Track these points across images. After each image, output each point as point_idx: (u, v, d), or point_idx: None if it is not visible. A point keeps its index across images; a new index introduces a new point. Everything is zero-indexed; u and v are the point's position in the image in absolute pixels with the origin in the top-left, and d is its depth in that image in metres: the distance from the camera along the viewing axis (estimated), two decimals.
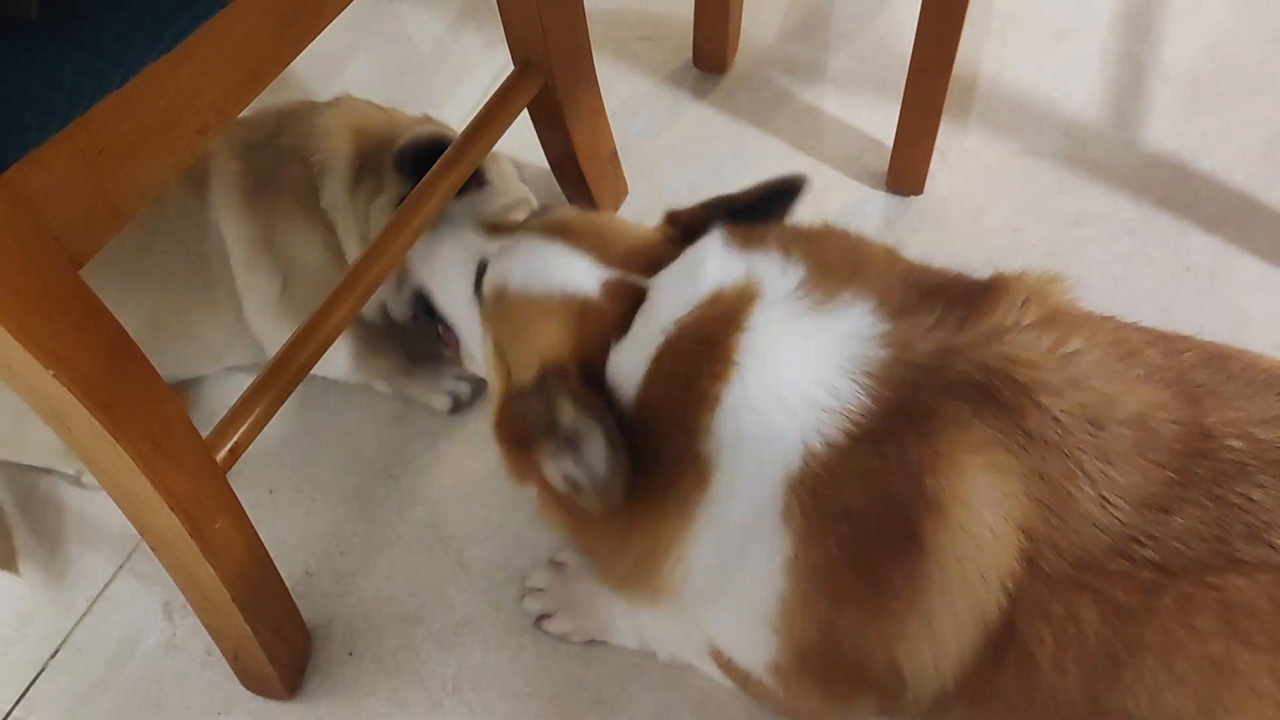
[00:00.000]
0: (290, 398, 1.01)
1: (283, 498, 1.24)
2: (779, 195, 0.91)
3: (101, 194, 0.72)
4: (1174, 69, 1.55)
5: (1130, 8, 1.64)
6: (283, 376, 1.00)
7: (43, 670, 1.14)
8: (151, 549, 0.96)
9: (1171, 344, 0.79)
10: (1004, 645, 0.73)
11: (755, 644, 0.83)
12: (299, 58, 0.87)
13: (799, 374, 0.75)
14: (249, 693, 1.11)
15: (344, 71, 1.44)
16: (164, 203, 1.17)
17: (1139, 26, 1.61)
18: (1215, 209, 1.40)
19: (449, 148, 1.15)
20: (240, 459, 0.96)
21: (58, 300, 0.71)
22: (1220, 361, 0.77)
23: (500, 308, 0.91)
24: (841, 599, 0.76)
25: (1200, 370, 0.76)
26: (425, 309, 1.19)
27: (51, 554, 1.22)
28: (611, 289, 0.86)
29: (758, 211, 0.89)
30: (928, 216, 1.42)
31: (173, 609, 1.17)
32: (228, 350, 1.27)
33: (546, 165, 1.39)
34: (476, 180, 1.21)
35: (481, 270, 0.97)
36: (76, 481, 1.26)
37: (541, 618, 1.12)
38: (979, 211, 1.42)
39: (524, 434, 0.84)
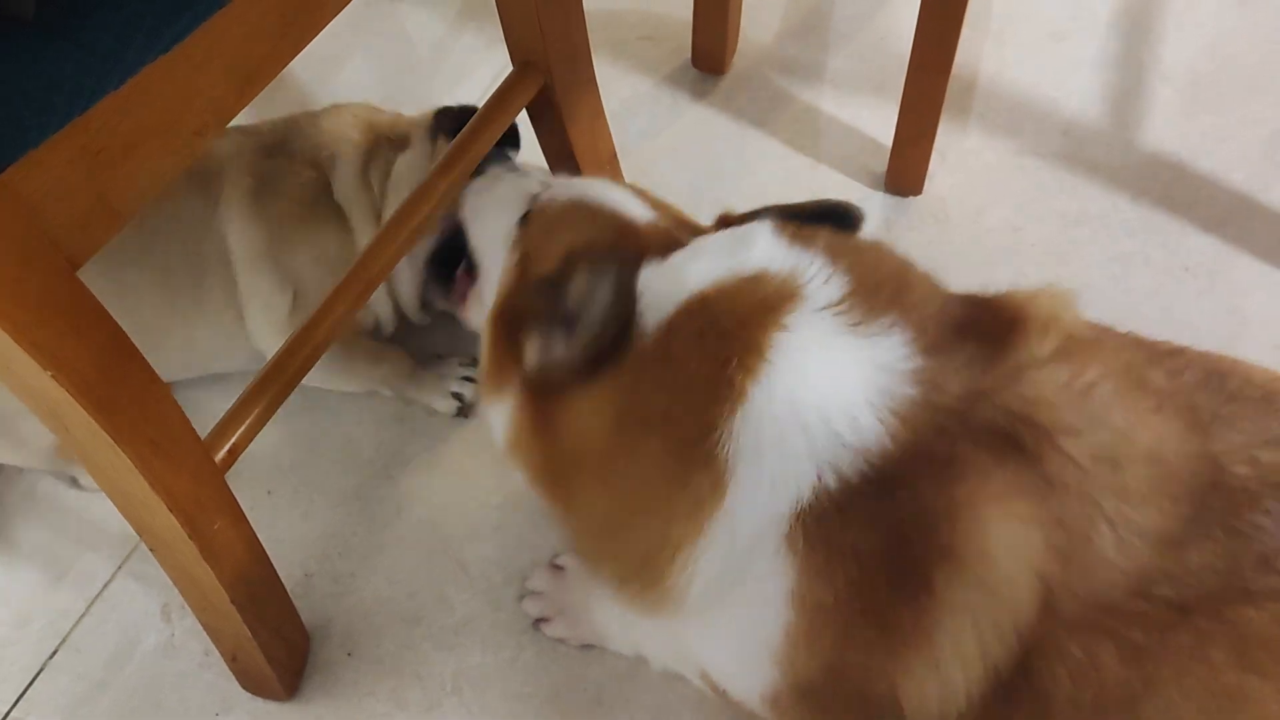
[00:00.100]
0: (289, 398, 1.01)
1: (281, 498, 1.24)
2: (835, 219, 0.89)
3: (99, 195, 0.72)
4: (1173, 69, 1.55)
5: (1129, 8, 1.64)
6: (281, 377, 1.00)
7: (41, 671, 1.14)
8: (150, 550, 0.96)
9: (1173, 362, 0.78)
10: (1016, 685, 0.72)
11: (752, 676, 0.81)
12: (297, 58, 0.87)
13: (826, 399, 0.73)
14: (248, 693, 1.11)
15: (343, 72, 1.44)
16: (168, 210, 1.17)
17: (1138, 27, 1.61)
18: (1214, 209, 1.40)
19: (448, 149, 1.15)
20: (239, 460, 0.96)
21: (55, 301, 0.71)
22: (1218, 380, 0.76)
23: (542, 215, 0.94)
24: (847, 638, 0.75)
25: (1201, 393, 0.76)
26: (436, 267, 1.23)
27: (50, 555, 1.22)
28: (657, 229, 0.88)
29: (809, 226, 0.86)
30: (927, 217, 1.42)
31: (171, 610, 1.17)
32: (222, 358, 1.27)
33: (545, 165, 1.39)
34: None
35: (531, 205, 0.99)
36: (74, 484, 1.26)
37: (538, 621, 1.12)
38: (978, 212, 1.42)
39: (521, 316, 0.83)
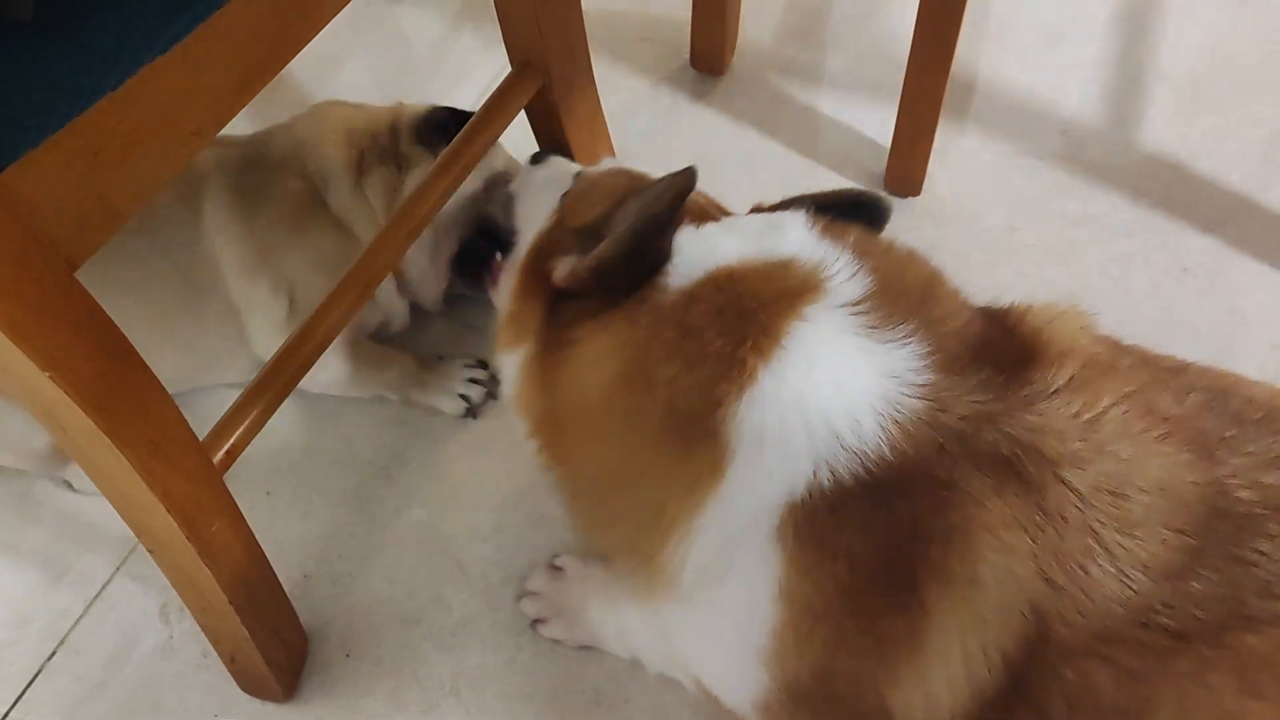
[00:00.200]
0: (287, 400, 1.01)
1: (280, 500, 1.24)
2: (863, 209, 0.90)
3: (97, 196, 0.72)
4: (1171, 70, 1.55)
5: (1128, 9, 1.64)
6: (280, 379, 1.00)
7: (40, 672, 1.14)
8: (148, 551, 0.96)
9: (1179, 382, 0.78)
10: (1012, 706, 0.72)
11: (742, 679, 0.81)
12: (296, 58, 0.87)
13: (830, 397, 0.73)
14: (246, 695, 1.11)
15: (341, 72, 1.44)
16: (151, 231, 1.17)
17: (1136, 28, 1.61)
18: (1213, 210, 1.40)
19: (446, 150, 1.15)
20: (237, 461, 0.96)
21: (53, 302, 0.71)
22: (1222, 400, 0.76)
23: (584, 184, 0.96)
24: (838, 641, 0.75)
25: (1207, 415, 0.75)
26: (465, 276, 1.28)
27: (49, 556, 1.22)
28: (697, 203, 0.89)
29: (839, 216, 0.87)
30: (926, 217, 1.42)
31: (170, 611, 1.17)
32: (216, 372, 1.26)
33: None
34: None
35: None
36: (67, 487, 1.25)
37: (536, 621, 1.12)
38: (977, 212, 1.42)
39: (553, 249, 0.85)
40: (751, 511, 0.74)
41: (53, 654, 1.15)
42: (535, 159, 1.18)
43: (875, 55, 1.60)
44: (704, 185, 1.03)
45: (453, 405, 1.28)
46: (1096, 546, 0.70)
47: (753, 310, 0.76)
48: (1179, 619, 0.69)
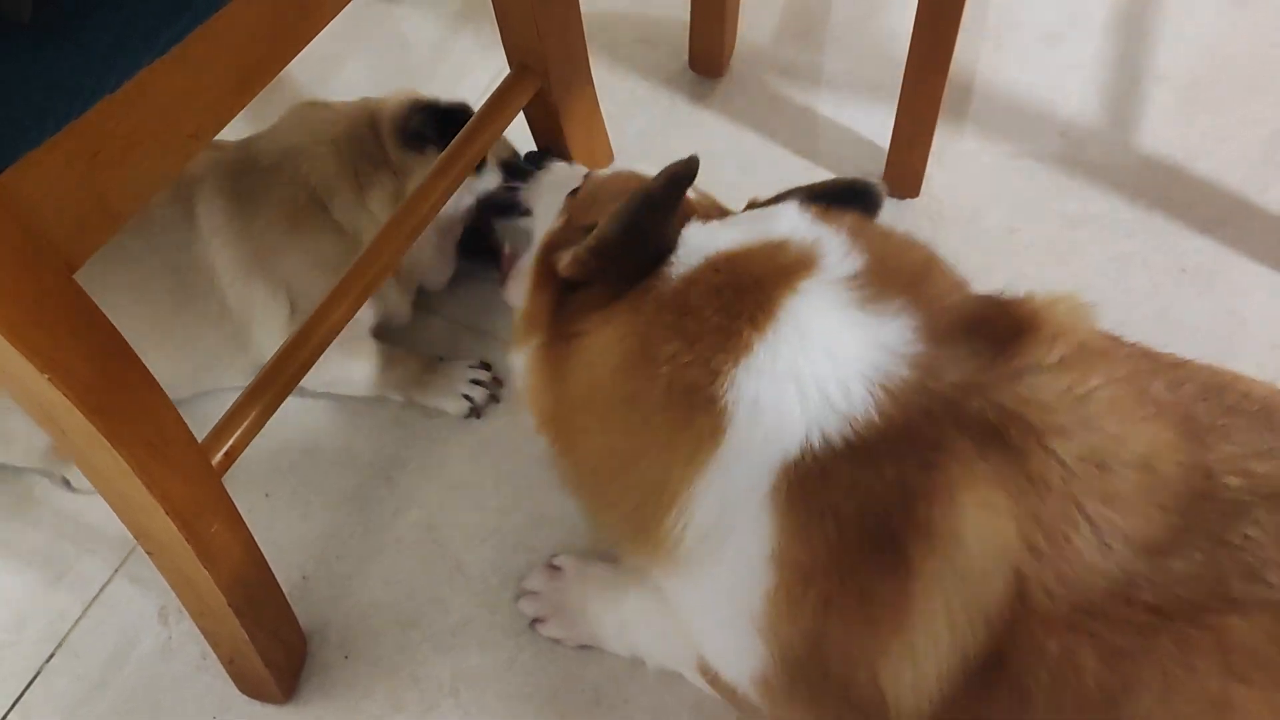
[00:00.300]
0: (286, 401, 1.01)
1: (279, 501, 1.24)
2: (856, 198, 0.93)
3: (96, 198, 0.72)
4: (1170, 71, 1.56)
5: (1126, 10, 1.64)
6: (279, 380, 1.00)
7: (38, 674, 1.14)
8: (147, 553, 0.96)
9: (1175, 374, 0.79)
10: (995, 681, 0.73)
11: (740, 650, 0.82)
12: (295, 60, 0.87)
13: (822, 365, 0.76)
14: (245, 696, 1.11)
15: (340, 74, 1.44)
16: (145, 241, 1.17)
17: (1134, 29, 1.62)
18: (1212, 210, 1.40)
19: (445, 151, 1.15)
20: (236, 462, 0.96)
21: (52, 304, 0.71)
22: (1218, 393, 0.77)
23: (594, 185, 0.99)
24: (827, 604, 0.76)
25: (1200, 404, 0.76)
26: (471, 251, 1.30)
27: (47, 557, 1.22)
28: (703, 203, 0.94)
29: (833, 205, 0.90)
30: (924, 219, 1.42)
31: (168, 613, 1.17)
32: (213, 378, 1.26)
33: None
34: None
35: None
36: (65, 485, 1.25)
37: (535, 621, 1.12)
38: (975, 213, 1.42)
39: (560, 244, 0.87)
40: (747, 476, 0.76)
41: (51, 655, 1.15)
42: (531, 159, 1.19)
43: (874, 56, 1.60)
44: (703, 186, 1.04)
45: (456, 405, 1.28)
46: (1079, 516, 0.71)
47: (749, 287, 0.79)
48: (1161, 596, 0.69)
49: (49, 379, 0.72)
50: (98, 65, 0.67)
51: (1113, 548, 0.70)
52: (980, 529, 0.71)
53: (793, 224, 0.84)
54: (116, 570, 1.20)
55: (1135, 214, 1.41)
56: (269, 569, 1.03)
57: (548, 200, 1.09)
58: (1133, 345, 0.81)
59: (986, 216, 1.42)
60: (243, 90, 0.82)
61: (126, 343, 0.79)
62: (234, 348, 1.22)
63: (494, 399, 1.29)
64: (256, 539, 1.00)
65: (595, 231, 0.83)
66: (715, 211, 0.95)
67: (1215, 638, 0.68)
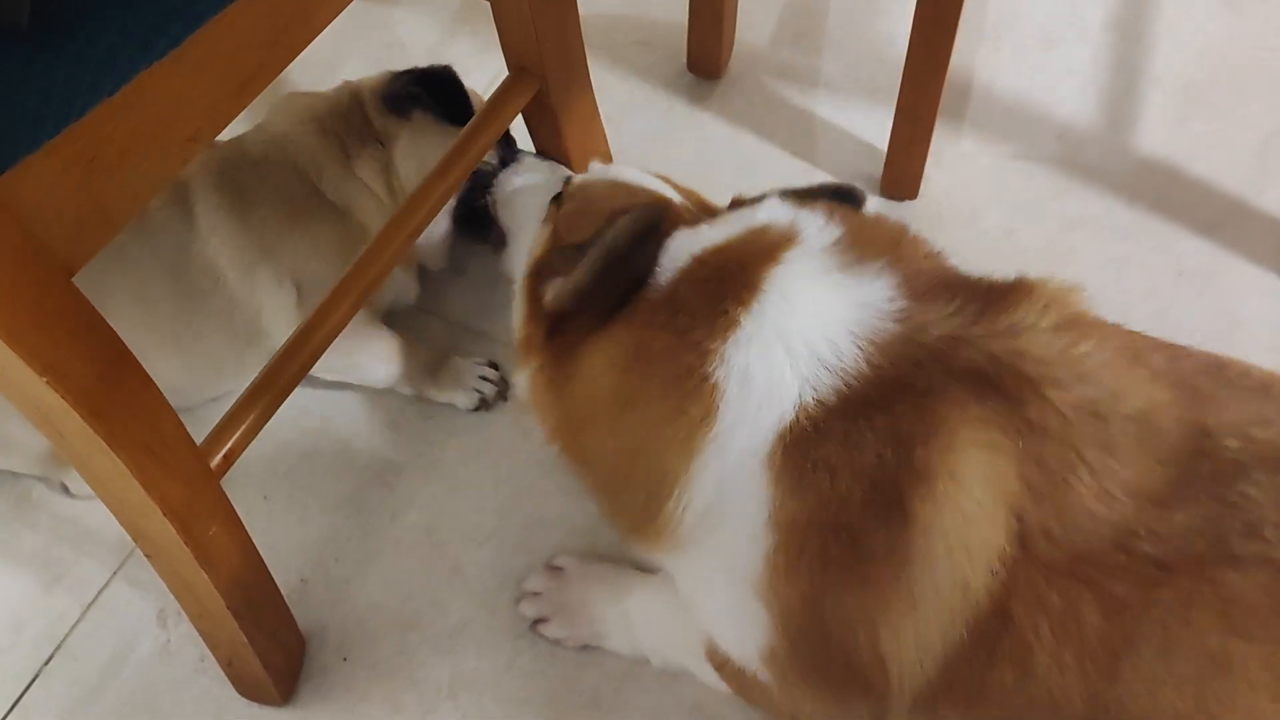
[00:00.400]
0: (284, 404, 1.01)
1: (277, 504, 1.24)
2: (839, 199, 0.94)
3: (93, 202, 0.72)
4: (1166, 74, 1.56)
5: (1122, 14, 1.65)
6: (277, 383, 1.00)
7: (36, 677, 1.14)
8: (146, 556, 0.96)
9: (1174, 351, 0.81)
10: (998, 637, 0.73)
11: (746, 621, 0.83)
12: (293, 63, 0.87)
13: (809, 324, 0.78)
14: (243, 699, 1.11)
15: (338, 76, 1.44)
16: (150, 229, 1.17)
17: (1131, 32, 1.62)
18: (1208, 213, 1.40)
19: (444, 154, 1.15)
20: (234, 465, 0.96)
21: (50, 308, 0.71)
22: (1217, 369, 0.79)
23: (579, 193, 1.00)
24: (825, 560, 0.77)
25: (1200, 376, 0.78)
26: (467, 227, 1.30)
27: (45, 560, 1.22)
28: (689, 208, 0.96)
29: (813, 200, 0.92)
30: (922, 220, 1.42)
31: (167, 615, 1.17)
32: (221, 376, 1.26)
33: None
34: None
35: (565, 187, 1.05)
36: (64, 490, 1.25)
37: (536, 622, 1.12)
38: (973, 215, 1.42)
39: (547, 271, 0.89)
40: (744, 447, 0.78)
41: (49, 658, 1.15)
42: (502, 159, 1.22)
43: (872, 59, 1.61)
44: (701, 188, 1.04)
45: (467, 399, 1.28)
46: (1079, 461, 0.72)
47: (734, 271, 0.82)
48: (1162, 548, 0.70)
49: (47, 382, 0.72)
50: (95, 69, 0.67)
51: (1113, 495, 0.71)
52: (980, 467, 0.72)
53: (772, 212, 0.87)
54: (115, 573, 1.20)
55: (1132, 216, 1.41)
56: (267, 571, 1.03)
57: (525, 203, 1.12)
58: (1128, 329, 0.83)
59: (984, 218, 1.42)
60: (241, 93, 0.82)
61: (125, 346, 0.79)
62: (244, 346, 1.22)
63: (502, 396, 1.29)
64: (255, 541, 1.00)
65: (572, 278, 0.85)
66: (703, 212, 0.97)
67: (1215, 592, 0.69)
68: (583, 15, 1.24)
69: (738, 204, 0.97)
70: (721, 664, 0.94)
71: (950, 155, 1.48)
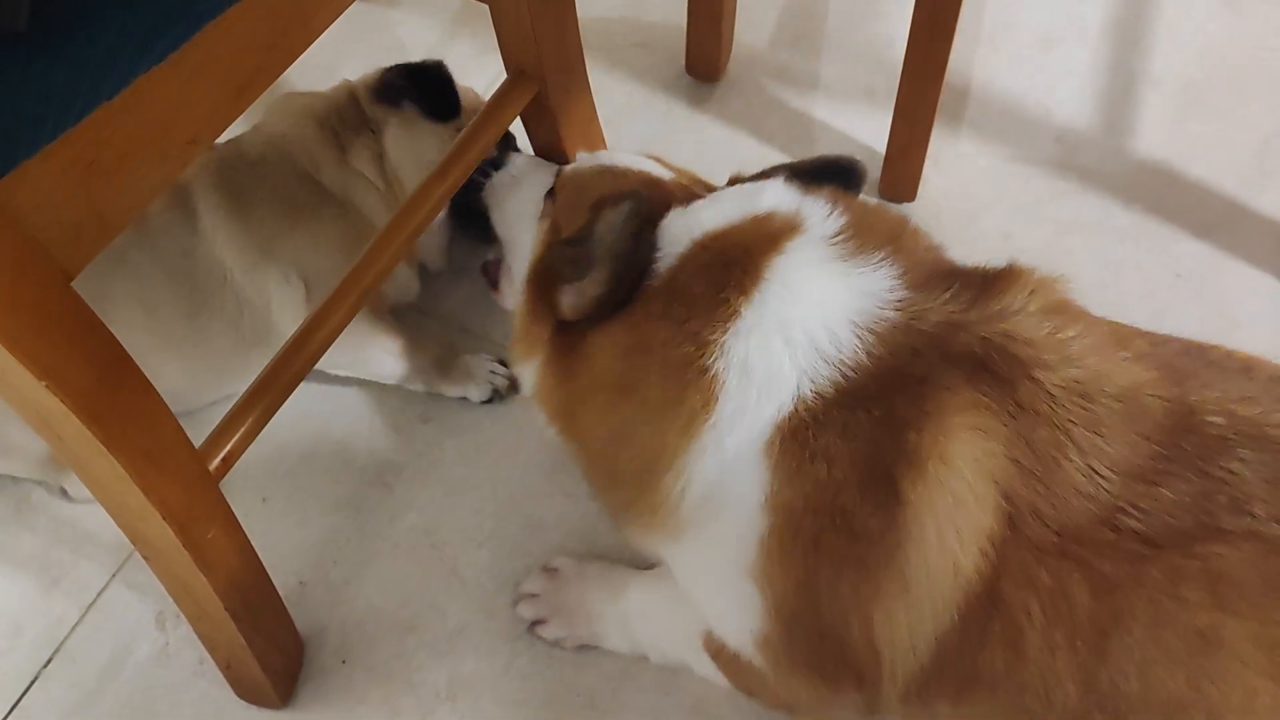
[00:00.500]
0: (283, 407, 1.01)
1: (276, 506, 1.24)
2: (839, 175, 0.95)
3: (92, 206, 0.72)
4: (1164, 76, 1.56)
5: (1120, 16, 1.65)
6: (275, 386, 1.00)
7: (35, 680, 1.14)
8: (144, 559, 0.96)
9: (1156, 337, 0.83)
10: (989, 618, 0.74)
11: (741, 606, 0.84)
12: (292, 66, 0.87)
13: (810, 315, 0.79)
14: (242, 702, 1.11)
15: (337, 79, 1.44)
16: (153, 235, 1.17)
17: (1128, 35, 1.62)
18: (1205, 215, 1.40)
19: (443, 157, 1.16)
20: (233, 468, 0.96)
21: (49, 312, 0.71)
22: (1200, 351, 0.81)
23: (570, 182, 1.00)
24: (818, 546, 0.77)
25: (1182, 357, 0.79)
26: (463, 223, 1.31)
27: (44, 563, 1.22)
28: (681, 185, 0.96)
29: (817, 183, 0.92)
30: (920, 222, 1.42)
31: (166, 618, 1.17)
32: (225, 380, 1.26)
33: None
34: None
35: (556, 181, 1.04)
36: (64, 495, 1.25)
37: (535, 623, 1.12)
38: (971, 217, 1.42)
39: (551, 274, 0.88)
40: (743, 433, 0.78)
41: (48, 661, 1.15)
42: (491, 161, 1.22)
43: (870, 61, 1.61)
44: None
45: (479, 391, 1.28)
46: (1066, 440, 0.73)
47: (736, 257, 0.82)
48: (1149, 524, 0.71)
49: (46, 386, 0.72)
50: (94, 73, 0.67)
51: (1100, 473, 0.72)
52: (970, 450, 0.73)
53: (777, 197, 0.86)
54: (113, 576, 1.20)
55: (1130, 218, 1.41)
56: (266, 574, 1.04)
57: (519, 202, 1.12)
58: (1113, 320, 0.84)
59: (982, 220, 1.42)
60: (240, 97, 0.82)
61: (124, 349, 0.79)
62: (250, 347, 1.22)
63: (513, 388, 1.29)
64: (254, 544, 1.00)
65: (586, 291, 0.85)
66: (695, 188, 0.97)
67: (1204, 567, 0.69)
68: (581, 17, 1.24)
69: (736, 182, 0.97)
70: (718, 652, 0.95)
71: (948, 157, 1.48)
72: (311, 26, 0.87)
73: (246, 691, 1.10)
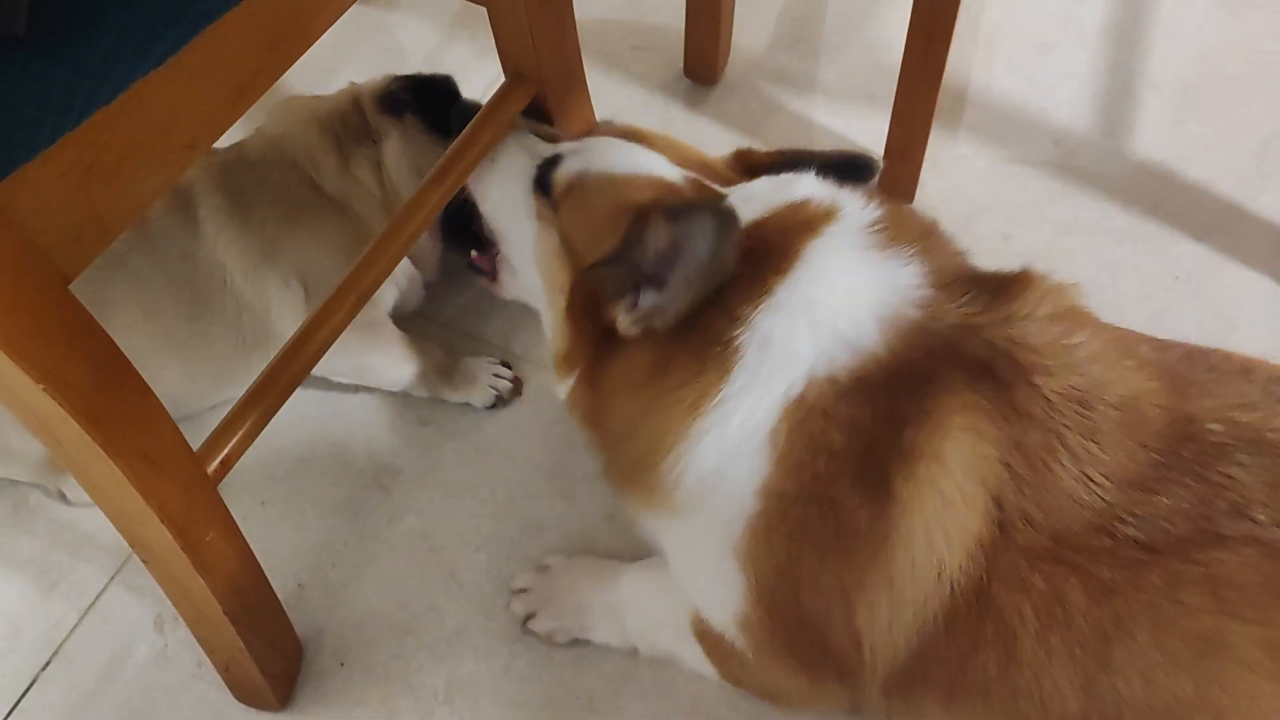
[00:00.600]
0: (281, 409, 1.01)
1: (274, 509, 1.24)
2: (849, 169, 0.95)
3: (90, 210, 0.72)
4: (1161, 78, 1.56)
5: (1117, 18, 1.65)
6: (273, 389, 1.00)
7: (34, 682, 1.14)
8: (143, 562, 0.96)
9: (1161, 342, 0.84)
10: (980, 622, 0.74)
11: (723, 583, 0.84)
12: (291, 69, 0.87)
13: (838, 301, 0.79)
14: (241, 704, 1.11)
15: (336, 81, 1.44)
16: (153, 239, 1.17)
17: (1126, 37, 1.62)
18: (1203, 217, 1.41)
19: (441, 159, 1.16)
20: (231, 471, 0.96)
21: (47, 315, 0.71)
22: (1200, 356, 0.82)
23: (576, 194, 0.97)
24: (805, 533, 0.78)
25: (1184, 363, 0.80)
26: (452, 237, 1.28)
27: (43, 565, 1.22)
28: (693, 184, 0.93)
29: (827, 176, 0.92)
30: None
31: (164, 621, 1.17)
32: (226, 384, 1.26)
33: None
34: None
35: (544, 171, 1.01)
36: (62, 499, 1.25)
37: (527, 618, 1.12)
38: (969, 219, 1.43)
39: (597, 298, 0.87)
40: (749, 412, 0.79)
41: (47, 664, 1.15)
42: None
43: (868, 64, 1.61)
44: None
45: (483, 397, 1.28)
46: (1059, 446, 0.73)
47: (775, 241, 0.82)
48: (1146, 530, 0.71)
49: (44, 389, 0.72)
50: (92, 77, 0.67)
51: (1093, 480, 0.73)
52: (963, 451, 0.74)
53: (811, 187, 0.87)
54: (112, 578, 1.20)
55: (1127, 220, 1.41)
56: (264, 577, 1.04)
57: (507, 194, 1.10)
58: (1119, 325, 0.85)
59: (980, 223, 1.42)
60: (239, 100, 0.82)
61: (122, 352, 0.79)
62: (250, 351, 1.22)
63: (517, 392, 1.30)
64: (252, 547, 1.00)
65: (663, 308, 0.82)
66: (705, 181, 0.94)
67: (1205, 573, 0.70)
68: (579, 20, 1.25)
69: (743, 156, 0.98)
70: (704, 635, 0.95)
71: (946, 160, 1.48)
72: (310, 29, 0.87)
73: (245, 694, 1.10)
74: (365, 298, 1.07)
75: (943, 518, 0.73)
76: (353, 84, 1.32)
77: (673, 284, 0.81)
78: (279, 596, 1.07)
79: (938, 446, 0.74)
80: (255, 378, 1.01)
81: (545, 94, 1.24)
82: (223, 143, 1.22)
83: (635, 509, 0.92)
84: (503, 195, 1.11)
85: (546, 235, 0.99)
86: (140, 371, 0.81)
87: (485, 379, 1.29)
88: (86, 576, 1.21)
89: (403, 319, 1.33)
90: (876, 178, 0.98)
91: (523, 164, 1.09)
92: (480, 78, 1.60)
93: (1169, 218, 1.41)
